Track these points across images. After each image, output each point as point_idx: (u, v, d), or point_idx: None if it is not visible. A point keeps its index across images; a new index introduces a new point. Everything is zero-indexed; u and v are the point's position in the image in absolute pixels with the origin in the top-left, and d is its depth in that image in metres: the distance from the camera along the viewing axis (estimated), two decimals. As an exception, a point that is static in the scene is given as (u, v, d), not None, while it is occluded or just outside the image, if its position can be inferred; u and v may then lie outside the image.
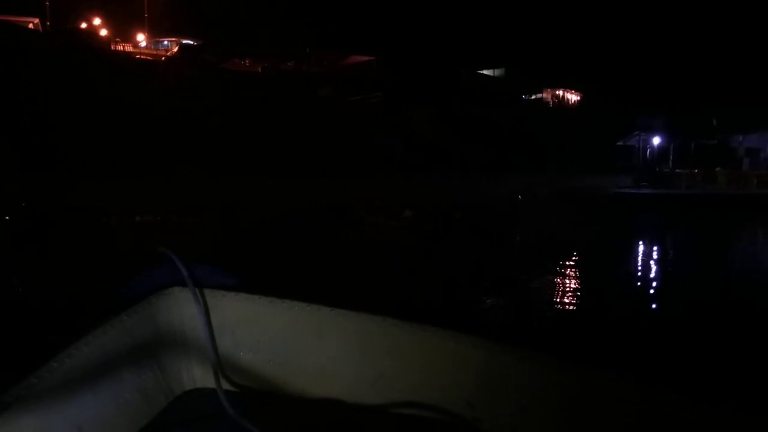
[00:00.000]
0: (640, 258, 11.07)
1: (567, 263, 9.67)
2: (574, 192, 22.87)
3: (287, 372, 2.11)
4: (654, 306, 7.43)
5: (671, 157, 25.76)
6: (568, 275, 8.98)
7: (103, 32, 53.50)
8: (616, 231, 15.36)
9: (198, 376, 2.12)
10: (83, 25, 52.89)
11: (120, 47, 49.95)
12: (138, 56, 47.17)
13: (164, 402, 2.01)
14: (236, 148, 27.08)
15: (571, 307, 6.91)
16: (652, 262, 10.63)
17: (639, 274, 9.66)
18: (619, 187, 23.84)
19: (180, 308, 2.13)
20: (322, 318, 2.11)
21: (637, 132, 26.40)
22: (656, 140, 26.05)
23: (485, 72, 45.17)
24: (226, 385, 2.04)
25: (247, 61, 50.66)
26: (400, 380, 1.98)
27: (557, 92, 41.40)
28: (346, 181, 23.09)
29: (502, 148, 29.32)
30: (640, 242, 13.30)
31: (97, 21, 54.88)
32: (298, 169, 25.14)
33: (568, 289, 8.07)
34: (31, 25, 44.89)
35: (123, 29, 54.10)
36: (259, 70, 46.80)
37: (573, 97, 41.56)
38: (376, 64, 49.14)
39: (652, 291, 8.25)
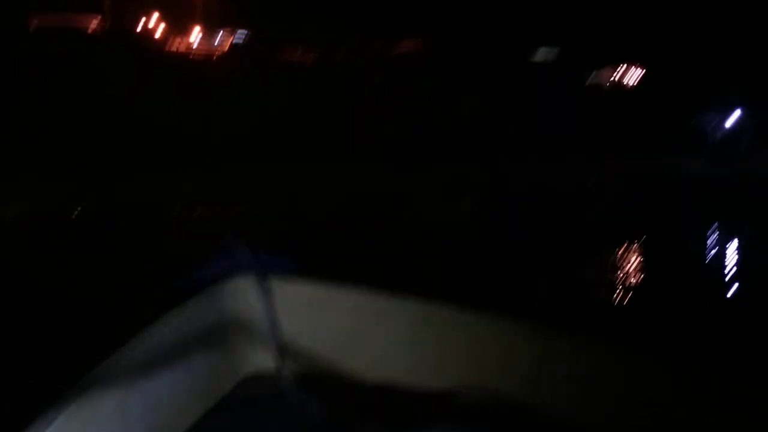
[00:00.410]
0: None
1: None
2: (647, 175, 21.97)
3: (348, 356, 2.19)
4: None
5: (754, 134, 24.38)
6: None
7: (159, 29, 55.38)
8: (700, 219, 14.60)
9: (263, 359, 2.24)
10: (140, 23, 54.92)
11: (175, 45, 51.62)
12: (192, 55, 48.65)
13: (231, 384, 2.14)
14: (290, 137, 27.61)
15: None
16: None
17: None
18: (695, 168, 22.69)
19: (246, 294, 2.25)
20: (382, 304, 2.18)
21: (715, 107, 25.08)
22: (736, 115, 24.64)
23: (541, 50, 43.86)
24: (289, 369, 2.14)
25: (298, 51, 51.38)
26: (461, 366, 2.02)
27: (618, 68, 39.96)
28: (400, 167, 23.12)
29: (558, 130, 28.59)
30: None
31: (153, 18, 56.82)
32: (351, 155, 25.36)
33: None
34: (92, 24, 46.89)
35: (178, 23, 55.76)
36: (310, 59, 47.43)
37: (636, 72, 39.97)
38: (428, 48, 48.77)
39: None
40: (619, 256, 9.52)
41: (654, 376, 1.72)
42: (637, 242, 10.74)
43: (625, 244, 10.39)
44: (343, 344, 2.21)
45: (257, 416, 1.94)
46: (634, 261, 9.17)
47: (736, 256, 9.71)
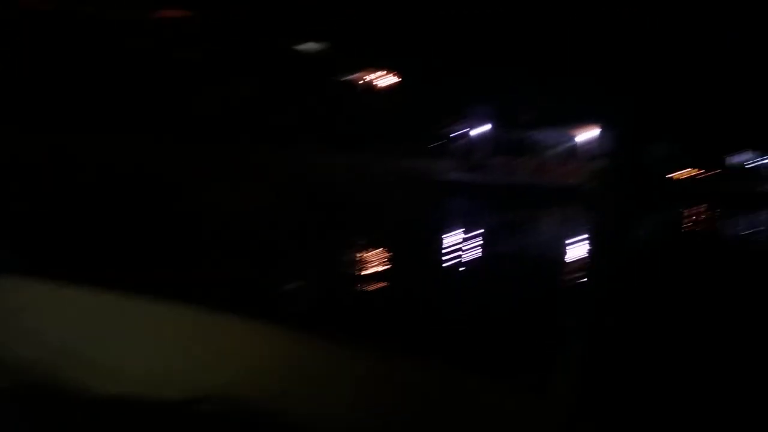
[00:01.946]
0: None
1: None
2: (407, 176, 23.47)
3: (76, 365, 2.00)
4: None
5: (498, 146, 28.03)
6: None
7: None
8: (439, 219, 15.89)
9: None
10: None
11: None
12: None
13: None
14: (30, 103, 23.78)
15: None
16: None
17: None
18: (445, 173, 25.03)
19: None
20: (114, 306, 2.02)
21: (467, 118, 28.33)
22: (486, 128, 28.15)
23: (309, 45, 42.58)
24: (8, 381, 1.89)
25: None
26: (199, 372, 1.96)
27: (375, 72, 40.85)
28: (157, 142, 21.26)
29: (315, 128, 28.96)
30: (454, 229, 14.03)
31: None
32: (99, 126, 22.78)
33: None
34: None
35: None
36: (50, 10, 41.41)
37: (391, 80, 40.97)
38: (192, 23, 45.61)
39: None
40: (374, 255, 9.92)
41: (399, 377, 1.87)
42: (391, 242, 11.24)
43: (381, 244, 10.85)
44: (71, 351, 2.02)
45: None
46: (389, 260, 9.45)
47: (479, 257, 10.67)
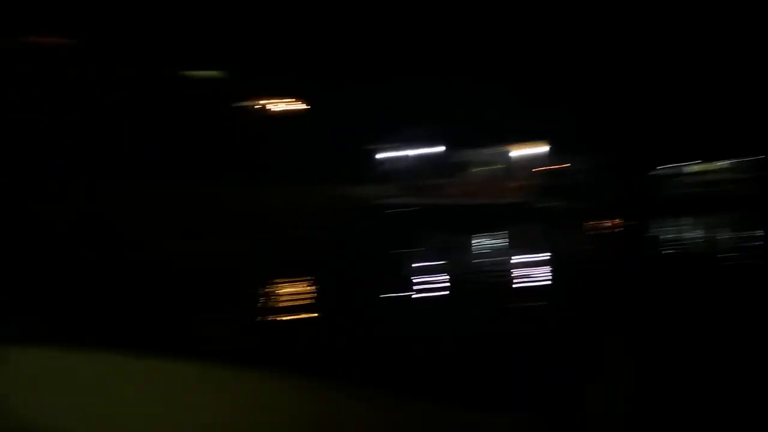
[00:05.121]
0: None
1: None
2: (345, 203, 23.15)
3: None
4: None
5: (438, 168, 27.96)
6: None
7: None
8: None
9: None
10: None
11: None
12: None
13: None
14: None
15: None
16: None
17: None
18: (385, 197, 24.88)
19: None
20: (125, 366, 1.98)
21: (402, 140, 28.16)
22: (423, 150, 28.15)
23: (203, 73, 39.05)
24: None
25: None
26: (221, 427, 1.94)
27: (279, 100, 38.73)
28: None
29: (231, 157, 27.52)
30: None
31: None
32: None
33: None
34: None
35: None
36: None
37: (299, 106, 38.95)
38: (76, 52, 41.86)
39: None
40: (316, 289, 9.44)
41: (416, 422, 1.89)
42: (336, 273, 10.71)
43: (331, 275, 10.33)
44: (90, 419, 1.98)
45: None
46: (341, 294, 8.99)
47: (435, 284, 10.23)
